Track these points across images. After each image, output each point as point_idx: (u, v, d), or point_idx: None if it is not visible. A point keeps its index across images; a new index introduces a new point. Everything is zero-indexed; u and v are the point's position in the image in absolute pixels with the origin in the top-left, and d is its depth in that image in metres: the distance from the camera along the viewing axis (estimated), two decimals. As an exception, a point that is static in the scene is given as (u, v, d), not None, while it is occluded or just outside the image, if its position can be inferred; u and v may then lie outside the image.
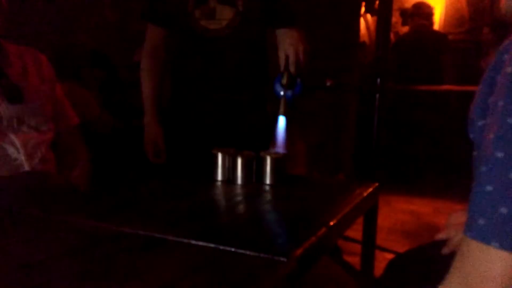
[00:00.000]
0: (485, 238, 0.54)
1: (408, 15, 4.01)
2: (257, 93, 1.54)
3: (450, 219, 1.00)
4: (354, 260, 2.09)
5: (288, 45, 1.25)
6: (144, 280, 0.58)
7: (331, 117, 3.33)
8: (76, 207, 0.98)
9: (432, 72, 3.78)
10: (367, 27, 4.17)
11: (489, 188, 0.55)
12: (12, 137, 1.23)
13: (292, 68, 1.23)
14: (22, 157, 1.23)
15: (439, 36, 4.12)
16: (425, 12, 3.89)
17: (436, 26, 4.52)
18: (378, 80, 1.98)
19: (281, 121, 1.23)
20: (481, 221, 0.55)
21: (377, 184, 1.20)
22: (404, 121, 3.87)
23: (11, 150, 1.22)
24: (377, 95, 1.98)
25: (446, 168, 3.83)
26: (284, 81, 1.23)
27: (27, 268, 0.62)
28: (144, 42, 1.61)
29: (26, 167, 1.23)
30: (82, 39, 2.78)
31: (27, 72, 1.33)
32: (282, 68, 1.25)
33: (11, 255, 0.68)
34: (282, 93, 1.24)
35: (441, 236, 0.96)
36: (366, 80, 3.54)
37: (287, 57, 1.24)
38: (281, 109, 1.22)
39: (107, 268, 0.63)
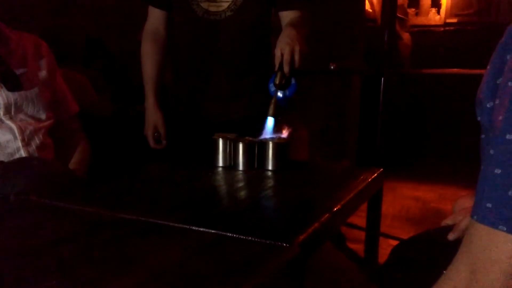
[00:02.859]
0: (492, 222, 0.53)
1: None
2: (259, 77, 1.51)
3: (457, 205, 0.99)
4: (358, 247, 2.08)
5: (284, 44, 1.21)
6: (144, 264, 0.57)
7: (334, 102, 3.30)
8: (76, 193, 0.97)
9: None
10: (372, 9, 4.11)
11: (497, 171, 0.53)
12: (9, 123, 1.21)
13: (286, 68, 1.20)
14: (19, 144, 1.22)
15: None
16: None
17: (443, 8, 4.46)
18: (383, 63, 1.95)
19: (269, 122, 1.20)
20: (489, 205, 0.54)
21: (381, 170, 1.18)
22: (409, 106, 3.84)
23: (8, 137, 1.20)
24: (382, 79, 1.95)
25: (451, 154, 3.82)
26: (277, 81, 1.21)
27: (27, 253, 0.62)
28: (144, 25, 1.58)
29: (24, 153, 1.22)
30: (78, 22, 2.74)
31: (27, 59, 1.31)
32: (276, 67, 1.22)
33: (11, 240, 0.67)
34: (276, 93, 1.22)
35: (447, 221, 0.94)
36: (371, 63, 3.50)
37: (282, 57, 1.21)
38: (270, 110, 1.20)
39: (107, 253, 0.62)
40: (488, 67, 0.61)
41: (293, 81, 1.24)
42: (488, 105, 0.59)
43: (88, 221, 0.76)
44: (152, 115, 1.55)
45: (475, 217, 0.55)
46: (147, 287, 0.51)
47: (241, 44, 1.45)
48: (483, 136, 0.65)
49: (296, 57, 1.20)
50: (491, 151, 0.54)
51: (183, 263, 0.58)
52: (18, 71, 1.25)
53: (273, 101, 1.21)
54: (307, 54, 1.24)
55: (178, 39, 1.54)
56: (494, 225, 0.52)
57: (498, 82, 0.57)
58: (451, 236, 0.90)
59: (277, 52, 1.22)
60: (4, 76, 1.19)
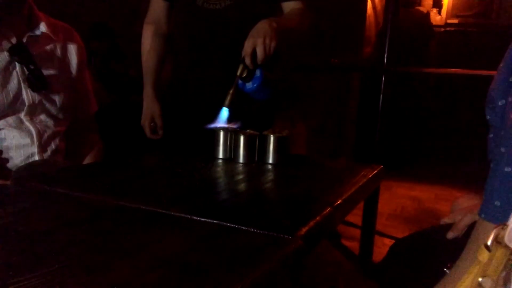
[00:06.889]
0: (500, 220, 0.53)
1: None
2: None
3: (455, 204, 0.99)
4: (352, 245, 2.09)
5: (249, 36, 1.21)
6: (147, 253, 0.57)
7: (333, 99, 3.30)
8: (75, 180, 0.96)
9: (419, 56, 3.76)
10: (373, 7, 4.10)
11: (507, 169, 0.53)
12: (29, 125, 1.20)
13: (246, 61, 1.20)
14: (35, 149, 1.21)
15: (422, 20, 4.12)
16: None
17: (444, 9, 4.47)
18: (385, 61, 1.94)
19: (224, 113, 1.20)
20: (497, 203, 0.54)
21: (381, 167, 1.18)
22: (407, 105, 3.84)
23: (26, 141, 1.19)
24: (383, 77, 1.94)
25: (448, 155, 3.83)
26: (238, 72, 1.22)
27: (28, 238, 0.61)
28: (146, 15, 1.56)
29: (37, 158, 1.21)
30: (80, 10, 2.73)
31: (57, 59, 1.28)
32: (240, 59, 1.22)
33: (12, 225, 0.66)
34: (248, 85, 1.23)
35: (446, 220, 0.95)
36: (372, 61, 3.49)
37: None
38: (226, 101, 1.21)
39: (109, 240, 0.61)
40: (501, 65, 0.60)
41: (258, 73, 1.24)
42: (500, 103, 0.59)
43: (89, 208, 0.75)
44: (150, 106, 1.54)
45: (482, 215, 0.55)
46: (149, 275, 0.50)
47: (241, 34, 1.44)
48: (491, 135, 0.65)
49: (258, 51, 1.20)
50: (502, 149, 0.54)
51: (186, 252, 0.58)
52: (47, 72, 1.23)
53: (230, 92, 1.21)
54: (277, 47, 1.22)
55: (178, 29, 1.53)
56: (501, 223, 0.52)
57: (511, 80, 0.57)
58: (450, 235, 0.90)
59: (244, 44, 1.22)
60: (30, 76, 1.18)
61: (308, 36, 1.47)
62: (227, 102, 1.21)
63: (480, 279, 0.47)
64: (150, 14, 1.56)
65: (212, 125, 1.20)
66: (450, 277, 0.58)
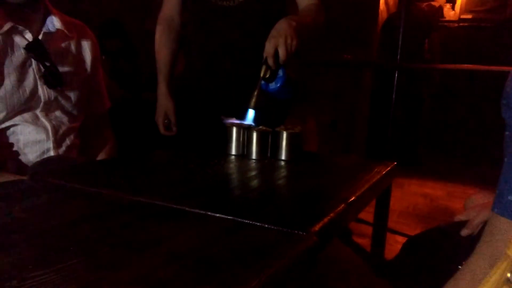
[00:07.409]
0: None
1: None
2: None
3: (469, 201, 0.98)
4: (364, 242, 2.08)
5: (270, 37, 1.20)
6: (163, 248, 0.57)
7: (344, 95, 3.29)
8: (92, 176, 0.98)
9: (419, 51, 3.70)
10: (386, 2, 4.07)
11: None
12: (45, 121, 1.22)
13: (269, 61, 1.19)
14: (50, 145, 1.22)
15: (427, 15, 4.03)
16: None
17: (457, 4, 4.41)
18: (398, 57, 1.92)
19: (250, 114, 1.20)
20: (510, 197, 0.54)
21: (395, 164, 1.18)
22: (418, 102, 3.81)
23: (41, 136, 1.21)
24: (396, 73, 1.93)
25: (460, 152, 3.80)
26: (261, 73, 1.21)
27: (45, 233, 0.62)
28: (159, 12, 1.57)
29: (52, 154, 1.23)
30: (92, 8, 2.75)
31: (71, 54, 1.30)
32: (263, 60, 1.22)
33: (31, 220, 0.67)
34: (270, 86, 1.23)
35: (461, 217, 0.94)
36: (384, 57, 3.46)
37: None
38: (252, 102, 1.20)
39: (125, 235, 0.62)
40: None
41: (280, 73, 1.23)
42: None
43: (105, 203, 0.76)
44: (164, 102, 1.55)
45: (495, 210, 0.55)
46: (165, 270, 0.51)
47: (253, 31, 1.44)
48: (507, 133, 0.64)
49: (281, 51, 1.18)
50: None
51: (201, 247, 0.58)
52: (62, 68, 1.25)
53: (255, 93, 1.21)
54: (298, 46, 1.21)
55: (191, 25, 1.53)
56: None
57: None
58: (464, 232, 0.89)
59: (266, 45, 1.21)
60: (46, 73, 1.20)
61: (322, 32, 1.46)
62: (252, 104, 1.20)
63: (508, 275, 0.47)
64: (163, 11, 1.57)
65: (229, 121, 1.20)
66: (463, 272, 0.58)
